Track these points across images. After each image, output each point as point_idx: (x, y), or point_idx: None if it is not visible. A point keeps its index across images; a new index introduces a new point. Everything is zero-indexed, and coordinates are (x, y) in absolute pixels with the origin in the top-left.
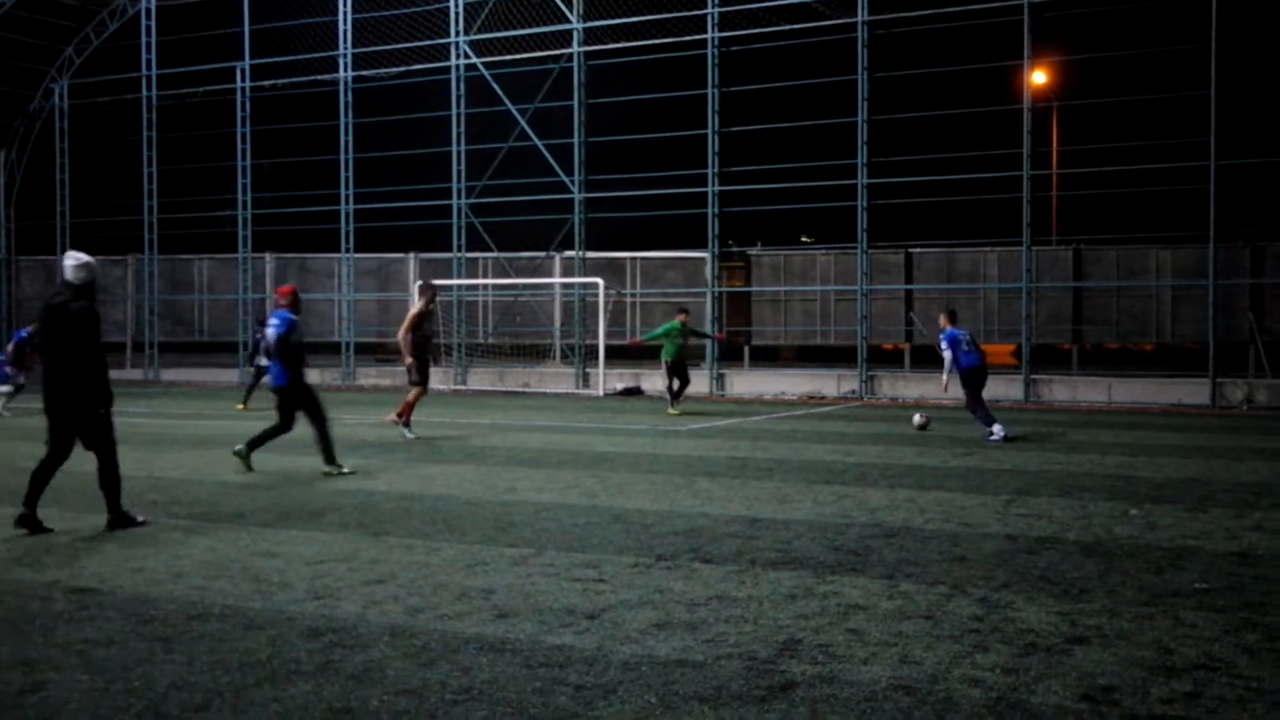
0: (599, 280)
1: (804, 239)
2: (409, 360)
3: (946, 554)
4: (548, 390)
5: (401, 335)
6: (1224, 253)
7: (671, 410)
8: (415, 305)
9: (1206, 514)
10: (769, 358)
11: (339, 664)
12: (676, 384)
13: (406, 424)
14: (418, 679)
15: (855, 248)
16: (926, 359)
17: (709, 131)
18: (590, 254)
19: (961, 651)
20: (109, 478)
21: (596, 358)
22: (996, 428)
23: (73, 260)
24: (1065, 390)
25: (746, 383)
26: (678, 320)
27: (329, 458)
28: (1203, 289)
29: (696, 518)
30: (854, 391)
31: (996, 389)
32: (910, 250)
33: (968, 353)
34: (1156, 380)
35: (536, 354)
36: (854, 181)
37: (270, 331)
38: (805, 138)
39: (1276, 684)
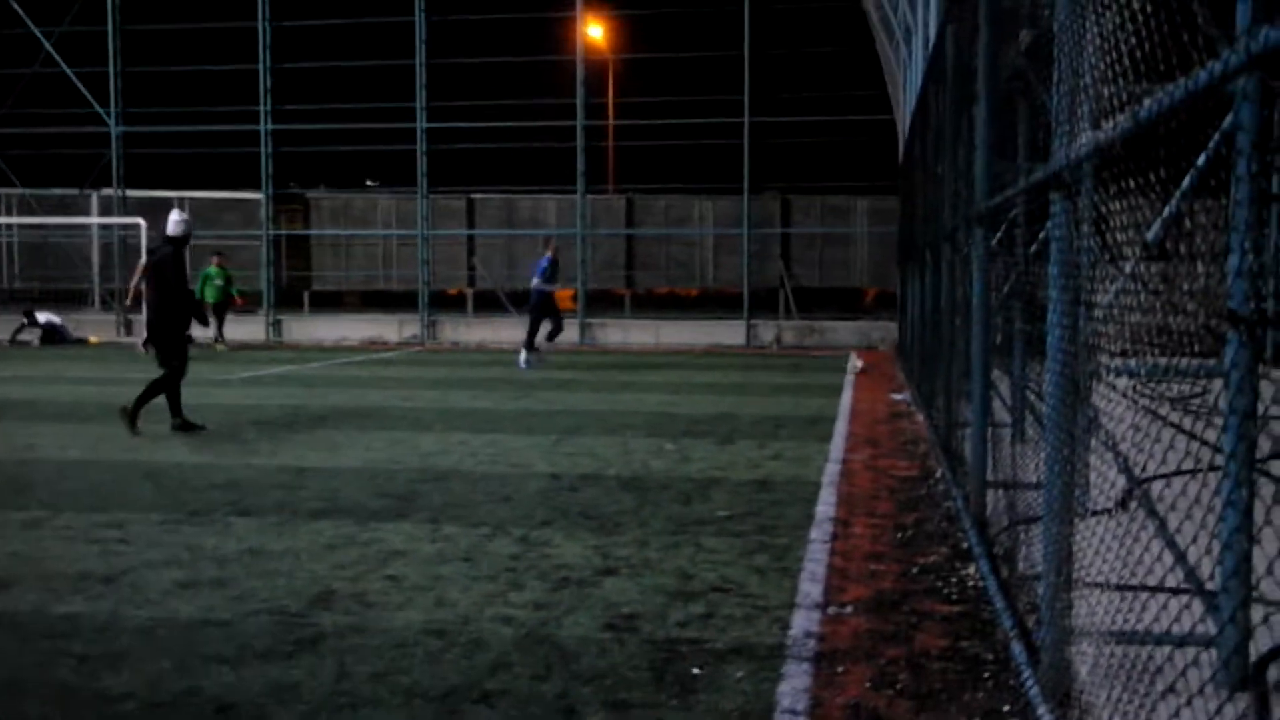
0: (140, 220)
1: (369, 182)
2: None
3: (493, 495)
4: (89, 338)
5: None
6: (758, 204)
7: (220, 347)
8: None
9: (734, 445)
10: (333, 303)
11: None
12: (215, 324)
13: None
14: None
15: (416, 192)
16: (488, 304)
17: (260, 67)
18: (132, 192)
19: (496, 591)
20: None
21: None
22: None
23: None
24: (618, 333)
25: (306, 329)
26: (213, 265)
27: None
28: (739, 237)
29: (239, 470)
30: (416, 336)
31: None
32: (472, 196)
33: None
34: (699, 322)
35: (74, 299)
36: (414, 125)
37: None
38: (366, 78)
39: (779, 600)
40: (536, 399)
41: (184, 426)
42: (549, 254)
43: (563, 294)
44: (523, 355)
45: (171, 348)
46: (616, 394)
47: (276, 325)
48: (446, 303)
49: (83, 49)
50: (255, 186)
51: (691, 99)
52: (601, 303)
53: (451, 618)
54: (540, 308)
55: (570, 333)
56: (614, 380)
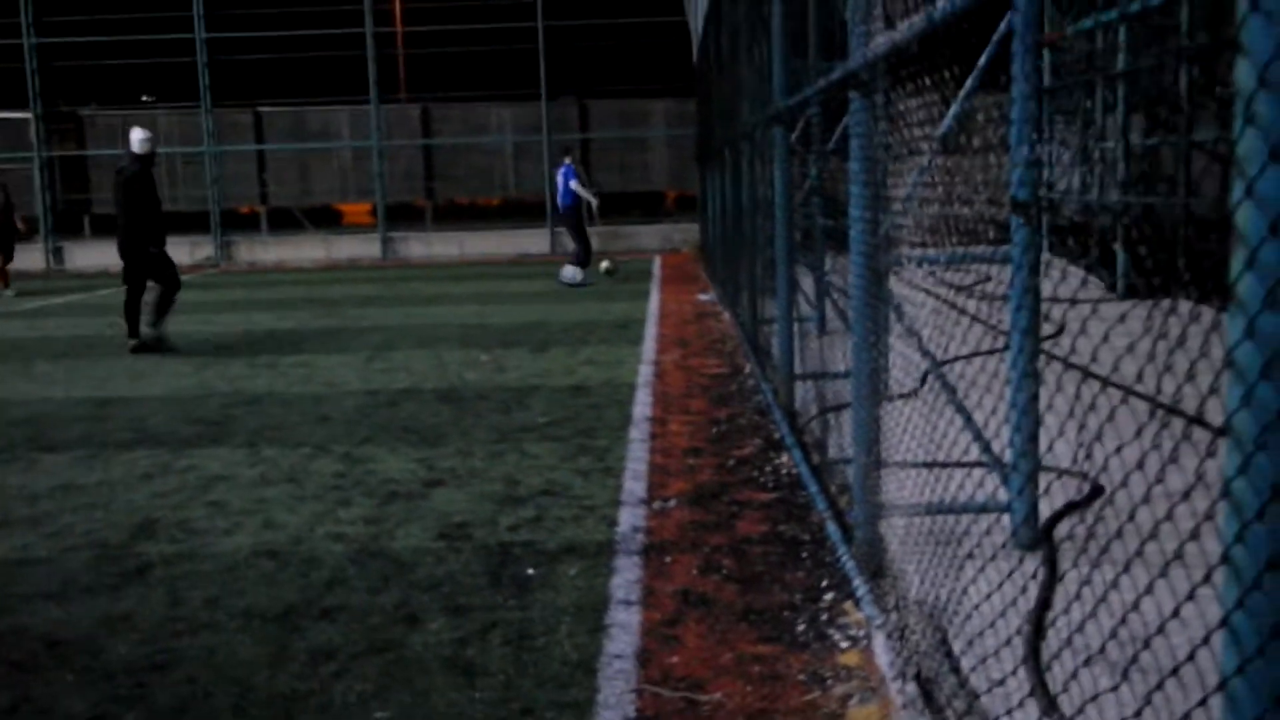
0: None
1: (145, 98)
2: None
3: (309, 415)
4: None
5: None
6: (555, 110)
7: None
8: None
9: (548, 353)
10: (116, 228)
11: None
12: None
13: None
14: None
15: (199, 107)
16: (283, 221)
17: None
18: None
19: (324, 509)
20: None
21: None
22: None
23: None
24: (421, 246)
25: (90, 255)
26: None
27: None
28: (539, 145)
29: (37, 404)
30: (210, 258)
31: (355, 248)
32: (259, 109)
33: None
34: (503, 232)
35: None
36: (193, 35)
37: None
38: None
39: (605, 499)
40: (344, 316)
41: (142, 348)
42: (568, 161)
43: (360, 208)
44: (575, 271)
45: (155, 263)
46: (426, 308)
47: (58, 252)
48: (240, 222)
49: None
50: (21, 105)
51: (483, 3)
52: (402, 216)
53: (282, 539)
54: (578, 219)
55: (372, 248)
56: (422, 294)
